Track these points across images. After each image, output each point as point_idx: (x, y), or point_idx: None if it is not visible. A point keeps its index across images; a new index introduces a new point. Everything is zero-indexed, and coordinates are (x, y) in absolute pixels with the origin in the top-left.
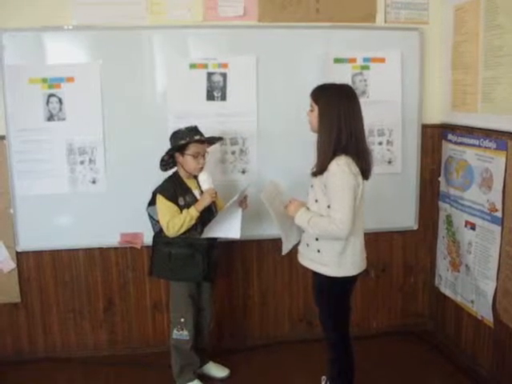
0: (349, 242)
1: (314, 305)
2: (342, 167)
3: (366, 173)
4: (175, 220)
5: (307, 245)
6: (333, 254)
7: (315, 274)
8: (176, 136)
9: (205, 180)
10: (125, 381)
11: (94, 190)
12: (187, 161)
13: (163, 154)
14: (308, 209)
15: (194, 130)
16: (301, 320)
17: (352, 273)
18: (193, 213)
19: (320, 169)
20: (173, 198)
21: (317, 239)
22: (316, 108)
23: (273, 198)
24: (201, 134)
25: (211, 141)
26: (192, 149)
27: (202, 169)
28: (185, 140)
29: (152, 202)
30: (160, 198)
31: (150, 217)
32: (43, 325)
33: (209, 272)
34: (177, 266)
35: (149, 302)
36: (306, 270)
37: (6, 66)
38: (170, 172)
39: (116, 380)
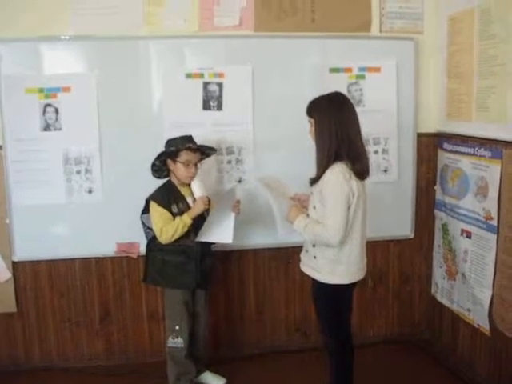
0: (343, 250)
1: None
2: (336, 176)
3: (361, 175)
4: (168, 227)
5: (306, 251)
6: (326, 261)
7: (313, 280)
8: (169, 143)
9: (198, 188)
10: None
11: (90, 199)
12: (178, 168)
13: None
14: (308, 215)
15: (186, 139)
16: (297, 329)
17: (345, 281)
18: (186, 220)
19: (316, 177)
20: (166, 205)
21: (314, 246)
22: (313, 122)
23: (273, 188)
24: (193, 143)
25: (204, 151)
26: (183, 156)
27: (193, 178)
28: (176, 147)
29: (146, 210)
30: (153, 205)
31: (144, 224)
32: (39, 335)
33: (202, 279)
34: (170, 273)
35: (145, 312)
36: (302, 279)
37: (3, 75)
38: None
39: None
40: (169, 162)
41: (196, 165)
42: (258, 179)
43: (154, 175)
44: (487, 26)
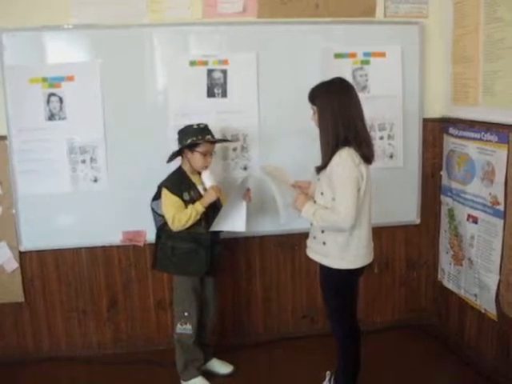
0: (353, 235)
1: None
2: (344, 160)
3: (368, 159)
4: (181, 214)
5: (314, 237)
6: (336, 246)
7: (321, 266)
8: (187, 132)
9: (208, 177)
10: (129, 379)
11: (95, 188)
12: (196, 158)
13: (165, 150)
14: (315, 202)
15: (205, 129)
16: (304, 316)
17: (355, 266)
18: (198, 208)
19: (323, 164)
20: (178, 193)
21: (323, 232)
22: (316, 109)
23: (275, 175)
24: (212, 135)
25: (220, 141)
26: (203, 147)
27: (208, 167)
28: (197, 138)
29: (156, 197)
30: (165, 192)
31: (154, 211)
32: (47, 324)
33: (212, 267)
34: (180, 260)
35: (152, 300)
36: (309, 266)
37: (7, 66)
38: (173, 165)
39: (121, 378)
40: (186, 150)
41: (211, 154)
42: (261, 168)
43: (168, 161)
44: (493, 9)
